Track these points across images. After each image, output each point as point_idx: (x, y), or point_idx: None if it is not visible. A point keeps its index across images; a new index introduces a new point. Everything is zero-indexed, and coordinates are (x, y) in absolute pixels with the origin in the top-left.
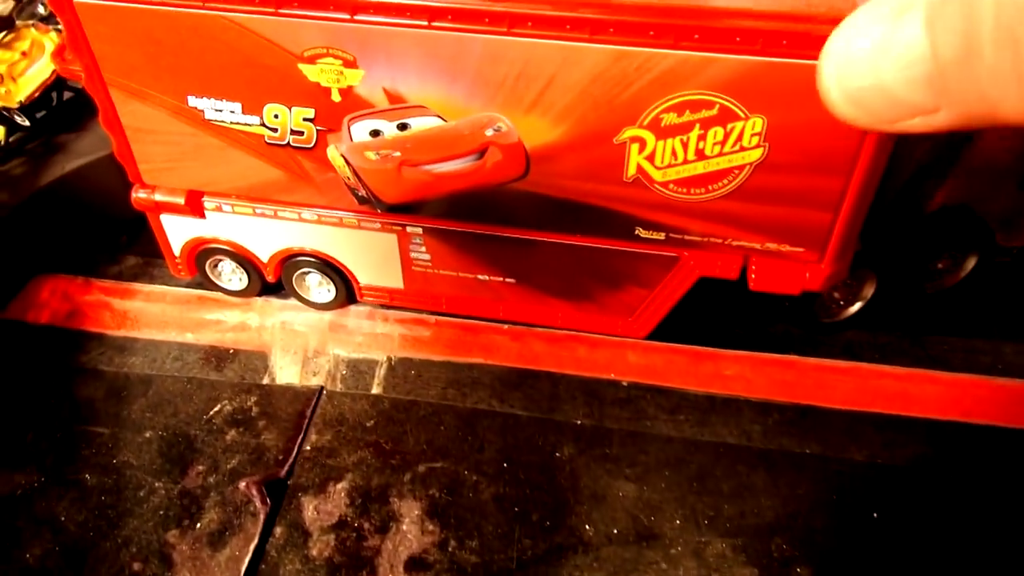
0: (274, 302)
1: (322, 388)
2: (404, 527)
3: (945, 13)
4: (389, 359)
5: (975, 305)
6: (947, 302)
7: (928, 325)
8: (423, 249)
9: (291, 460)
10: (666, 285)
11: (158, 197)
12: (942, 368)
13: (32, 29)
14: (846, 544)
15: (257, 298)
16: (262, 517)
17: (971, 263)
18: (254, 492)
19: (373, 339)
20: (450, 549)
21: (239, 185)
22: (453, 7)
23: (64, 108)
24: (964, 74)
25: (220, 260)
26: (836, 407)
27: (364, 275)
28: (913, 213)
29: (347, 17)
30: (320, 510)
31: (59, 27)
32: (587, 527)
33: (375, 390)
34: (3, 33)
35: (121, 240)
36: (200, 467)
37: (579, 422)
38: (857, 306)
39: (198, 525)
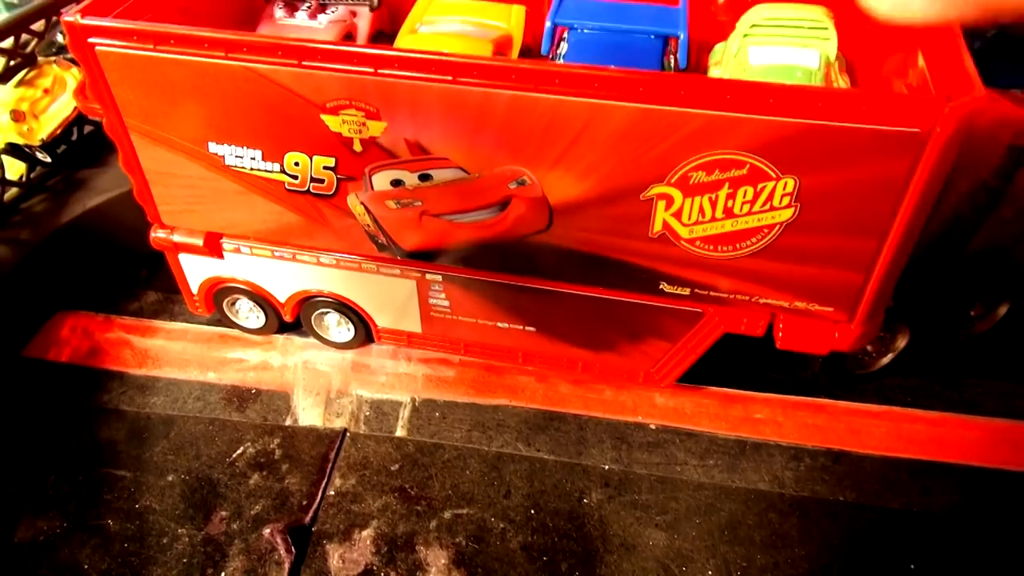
0: (296, 340)
1: (345, 430)
2: None
3: None
4: (413, 400)
5: (1008, 350)
6: (979, 347)
7: (961, 369)
8: (442, 296)
9: (315, 506)
10: (689, 339)
11: (176, 238)
12: (977, 413)
13: (54, 65)
14: None
15: (279, 336)
16: (287, 566)
17: (1003, 310)
18: (279, 540)
19: (396, 379)
20: None
21: (258, 229)
22: (479, 63)
23: (84, 143)
24: None
25: (238, 299)
26: (869, 452)
27: (382, 319)
28: (947, 262)
29: (371, 71)
30: (345, 559)
31: None
32: None
33: (399, 432)
34: (25, 70)
35: (141, 274)
36: (223, 513)
37: (607, 467)
38: (889, 357)
39: (222, 574)
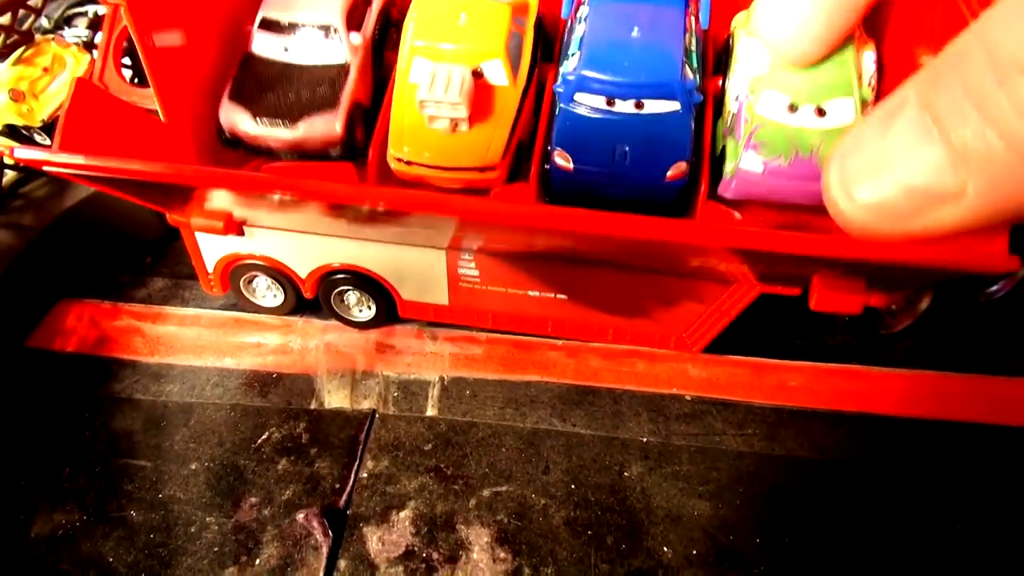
0: (316, 323)
1: (374, 412)
2: (475, 556)
3: (946, 107)
4: (442, 379)
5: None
6: (1001, 309)
7: (992, 330)
8: (472, 265)
9: (348, 488)
10: (724, 302)
11: (195, 220)
12: (1008, 373)
13: (52, 43)
14: (935, 560)
15: (298, 319)
16: (325, 550)
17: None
18: (315, 524)
19: (423, 358)
20: None
21: (286, 224)
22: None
23: None
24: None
25: (255, 276)
26: (907, 415)
27: (407, 291)
28: None
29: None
30: (385, 540)
31: (77, 39)
32: (665, 549)
33: (430, 412)
34: (22, 48)
35: (146, 261)
36: (253, 499)
37: (645, 439)
38: (912, 318)
39: (257, 561)
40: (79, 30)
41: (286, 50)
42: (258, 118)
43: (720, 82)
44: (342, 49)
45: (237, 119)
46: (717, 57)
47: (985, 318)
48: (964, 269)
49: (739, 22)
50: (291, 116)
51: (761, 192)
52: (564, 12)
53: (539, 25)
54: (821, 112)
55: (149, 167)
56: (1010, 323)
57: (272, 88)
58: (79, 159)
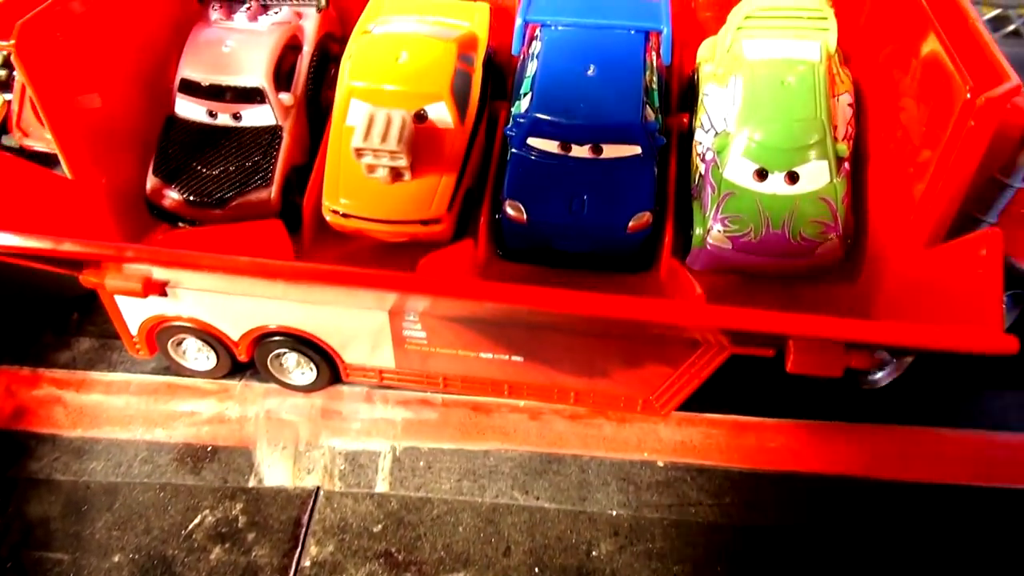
0: (255, 387)
1: (318, 488)
2: None
3: None
4: (393, 449)
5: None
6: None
7: (978, 382)
8: (418, 327)
9: None
10: (693, 363)
11: (110, 282)
12: (1002, 428)
13: None
14: None
15: (236, 383)
16: None
17: (1010, 319)
18: None
19: (373, 425)
20: None
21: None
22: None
23: None
24: None
25: (184, 338)
26: (897, 479)
27: (350, 353)
28: None
29: None
30: None
31: None
32: None
33: (380, 487)
34: None
35: (71, 318)
36: None
37: (615, 512)
38: (897, 373)
39: None
40: None
41: (211, 114)
42: (188, 198)
43: (686, 120)
44: (272, 112)
45: (165, 198)
46: (682, 93)
47: (976, 368)
48: (957, 351)
49: (704, 55)
50: (222, 195)
51: (730, 265)
52: (515, 49)
53: (489, 61)
54: (792, 178)
55: (29, 242)
56: (1003, 372)
57: (199, 159)
58: None
